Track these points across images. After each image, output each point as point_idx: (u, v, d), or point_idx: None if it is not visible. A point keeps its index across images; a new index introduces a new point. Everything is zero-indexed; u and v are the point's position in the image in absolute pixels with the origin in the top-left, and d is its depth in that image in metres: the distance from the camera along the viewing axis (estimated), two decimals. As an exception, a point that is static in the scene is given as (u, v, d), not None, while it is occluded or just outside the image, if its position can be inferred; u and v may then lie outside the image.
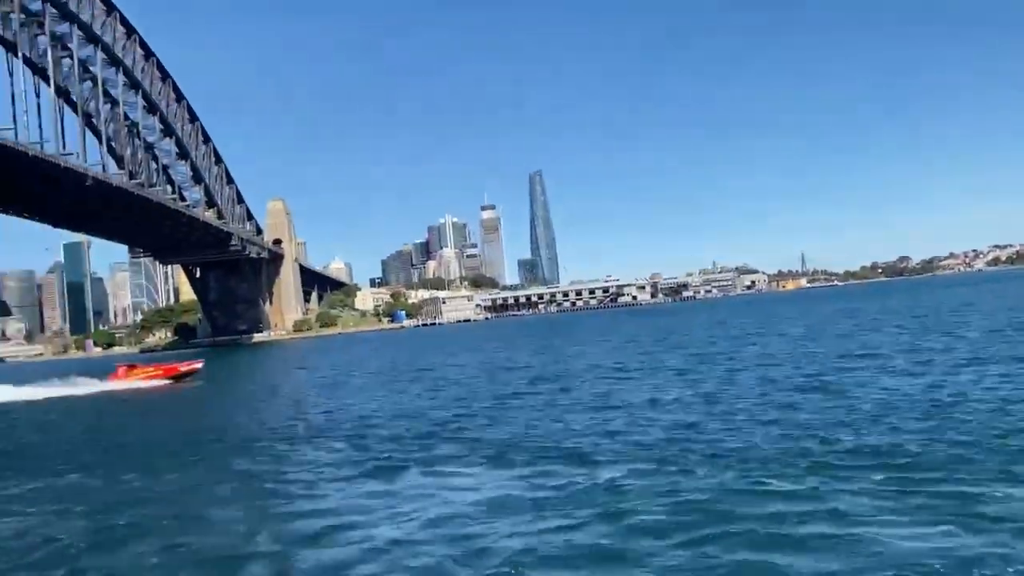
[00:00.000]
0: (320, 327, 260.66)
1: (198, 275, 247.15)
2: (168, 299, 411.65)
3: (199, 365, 57.10)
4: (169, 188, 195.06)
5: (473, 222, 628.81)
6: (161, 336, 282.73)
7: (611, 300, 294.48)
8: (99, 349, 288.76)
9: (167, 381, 52.93)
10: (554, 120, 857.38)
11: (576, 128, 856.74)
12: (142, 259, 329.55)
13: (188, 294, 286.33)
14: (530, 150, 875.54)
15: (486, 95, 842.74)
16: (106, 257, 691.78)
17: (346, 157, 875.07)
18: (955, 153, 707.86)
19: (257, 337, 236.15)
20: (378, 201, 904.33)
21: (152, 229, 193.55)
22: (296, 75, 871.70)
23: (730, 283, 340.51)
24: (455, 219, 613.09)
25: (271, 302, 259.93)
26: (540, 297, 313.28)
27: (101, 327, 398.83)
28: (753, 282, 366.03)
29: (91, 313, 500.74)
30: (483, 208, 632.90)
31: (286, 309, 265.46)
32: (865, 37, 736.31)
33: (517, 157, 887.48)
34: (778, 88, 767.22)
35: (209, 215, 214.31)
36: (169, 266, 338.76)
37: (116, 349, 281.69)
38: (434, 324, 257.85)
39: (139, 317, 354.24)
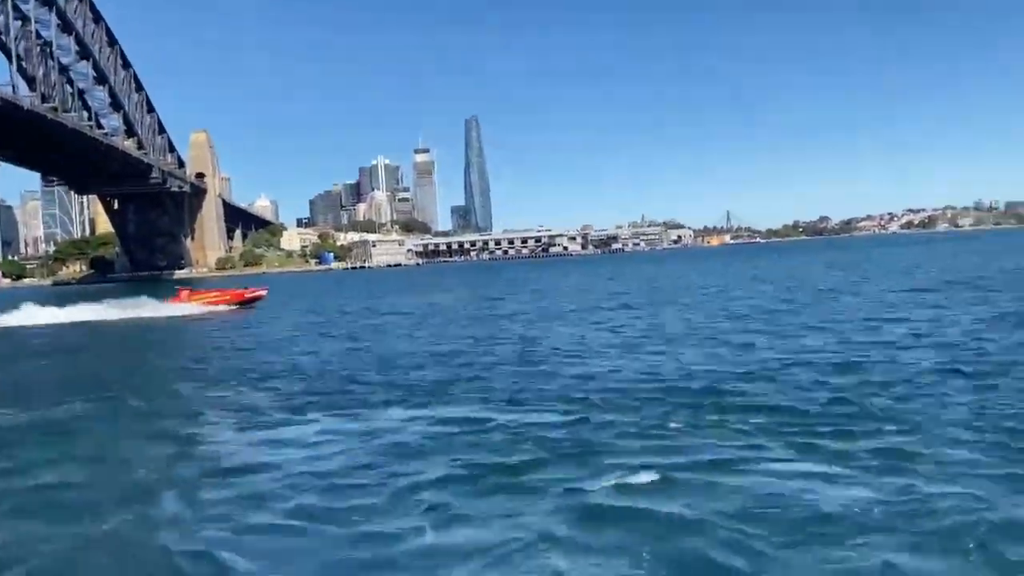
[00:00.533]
0: (244, 266, 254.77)
1: (116, 207, 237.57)
2: (84, 231, 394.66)
3: (264, 293, 56.84)
4: (85, 114, 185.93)
5: (406, 165, 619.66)
6: (75, 269, 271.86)
7: (543, 250, 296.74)
8: (8, 280, 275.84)
9: (233, 306, 52.75)
10: (490, 65, 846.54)
11: (512, 74, 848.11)
12: (56, 188, 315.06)
13: (105, 226, 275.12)
14: (467, 93, 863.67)
15: (422, 40, 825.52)
16: (16, 184, 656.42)
17: (275, 90, 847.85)
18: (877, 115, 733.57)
19: (178, 274, 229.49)
20: (308, 138, 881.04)
21: (67, 157, 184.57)
22: (223, 4, 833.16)
23: (657, 237, 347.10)
24: (388, 161, 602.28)
25: (193, 238, 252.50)
26: (472, 244, 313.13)
27: (10, 258, 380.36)
28: (680, 236, 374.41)
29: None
30: (417, 151, 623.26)
31: (209, 246, 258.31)
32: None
33: (453, 102, 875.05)
34: (712, 41, 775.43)
35: (128, 144, 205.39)
36: (85, 196, 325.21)
37: (26, 281, 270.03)
38: (363, 268, 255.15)
39: (52, 248, 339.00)
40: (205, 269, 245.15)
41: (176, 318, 48.08)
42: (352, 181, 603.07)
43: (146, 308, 50.78)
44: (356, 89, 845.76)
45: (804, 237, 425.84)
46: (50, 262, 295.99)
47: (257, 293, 56.25)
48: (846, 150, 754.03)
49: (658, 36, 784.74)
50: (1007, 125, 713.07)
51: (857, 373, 17.12)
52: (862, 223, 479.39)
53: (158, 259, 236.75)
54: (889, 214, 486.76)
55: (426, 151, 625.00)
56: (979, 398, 13.97)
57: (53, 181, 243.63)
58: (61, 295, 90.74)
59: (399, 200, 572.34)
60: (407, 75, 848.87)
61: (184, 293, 53.89)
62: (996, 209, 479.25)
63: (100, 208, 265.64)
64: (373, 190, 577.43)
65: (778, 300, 39.66)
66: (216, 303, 52.88)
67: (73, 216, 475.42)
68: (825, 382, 16.32)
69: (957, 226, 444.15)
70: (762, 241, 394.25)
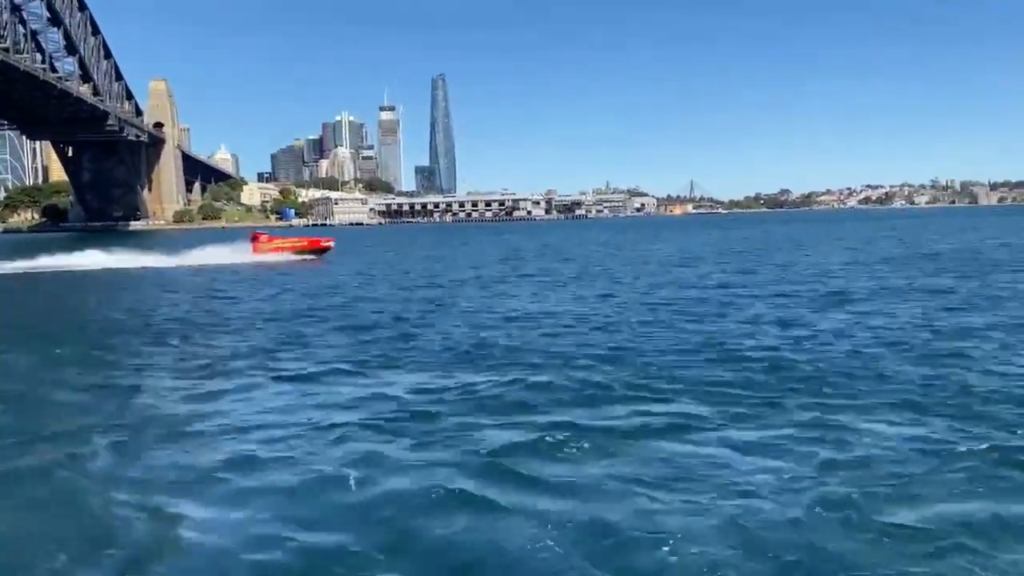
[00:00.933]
0: (202, 219, 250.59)
1: (70, 154, 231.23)
2: (36, 178, 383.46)
3: (332, 243, 57.22)
4: (39, 57, 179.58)
5: (371, 122, 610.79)
6: (27, 217, 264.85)
7: (506, 214, 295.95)
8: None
9: (311, 255, 53.24)
10: (458, 24, 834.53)
11: (481, 35, 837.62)
12: (7, 132, 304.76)
13: (59, 174, 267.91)
14: (434, 52, 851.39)
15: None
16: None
17: (237, 40, 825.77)
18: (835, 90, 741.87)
19: (134, 225, 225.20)
20: (271, 90, 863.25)
21: (18, 100, 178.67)
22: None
23: (621, 205, 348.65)
24: (352, 117, 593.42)
25: (150, 189, 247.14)
26: (436, 206, 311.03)
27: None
28: (643, 204, 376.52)
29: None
30: (382, 109, 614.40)
31: (166, 198, 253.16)
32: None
33: (420, 58, 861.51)
34: (682, 15, 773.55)
35: (84, 90, 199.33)
36: (38, 142, 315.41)
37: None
38: (325, 225, 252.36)
39: (2, 195, 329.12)
40: (162, 221, 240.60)
41: (259, 265, 47.71)
42: (315, 136, 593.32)
43: (223, 255, 50.54)
44: (322, 41, 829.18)
45: (765, 209, 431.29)
46: (0, 209, 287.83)
47: (329, 242, 56.81)
48: (809, 125, 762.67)
49: (628, 5, 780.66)
50: (965, 106, 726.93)
51: (798, 344, 17.66)
52: (822, 197, 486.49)
53: (114, 209, 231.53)
54: (848, 189, 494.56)
55: (392, 109, 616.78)
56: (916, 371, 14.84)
57: (3, 125, 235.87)
58: (19, 244, 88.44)
59: (363, 158, 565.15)
60: (374, 29, 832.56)
61: (263, 238, 53.76)
62: (951, 188, 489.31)
63: (54, 155, 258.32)
64: (337, 147, 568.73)
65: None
66: (296, 250, 53.38)
67: (25, 162, 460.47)
68: (768, 351, 16.82)
69: (913, 203, 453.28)
70: (724, 212, 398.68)
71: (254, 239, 53.13)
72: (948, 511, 7.82)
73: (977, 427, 10.43)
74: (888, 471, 8.97)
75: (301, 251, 53.46)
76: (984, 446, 9.59)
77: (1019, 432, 10.16)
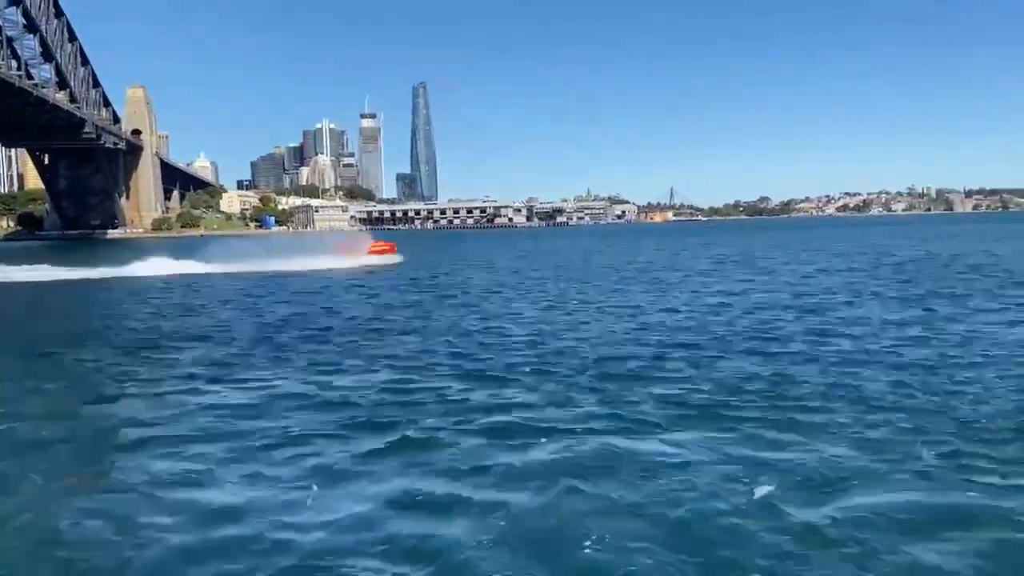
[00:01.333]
0: (181, 227, 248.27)
1: (47, 162, 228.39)
2: (12, 186, 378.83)
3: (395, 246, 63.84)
4: (14, 63, 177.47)
5: (352, 130, 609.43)
6: (1, 225, 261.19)
7: (488, 221, 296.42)
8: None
9: (395, 255, 59.36)
10: (439, 32, 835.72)
11: (461, 43, 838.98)
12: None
13: (35, 181, 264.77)
14: (415, 60, 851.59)
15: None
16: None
17: (216, 46, 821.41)
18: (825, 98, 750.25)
19: (112, 233, 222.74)
20: (251, 97, 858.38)
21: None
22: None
23: (602, 212, 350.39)
24: (333, 125, 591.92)
25: (128, 197, 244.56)
26: (417, 213, 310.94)
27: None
28: (624, 211, 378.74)
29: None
30: (363, 116, 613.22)
31: (144, 206, 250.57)
32: None
33: (401, 66, 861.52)
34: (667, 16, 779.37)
35: (60, 97, 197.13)
36: (13, 150, 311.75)
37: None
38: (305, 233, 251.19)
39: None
40: (140, 229, 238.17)
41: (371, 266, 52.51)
42: (296, 144, 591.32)
43: (330, 259, 53.26)
44: (302, 49, 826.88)
45: (744, 216, 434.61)
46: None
47: (394, 245, 63.29)
48: (789, 133, 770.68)
49: (614, 10, 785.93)
50: (943, 113, 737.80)
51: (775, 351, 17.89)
52: (800, 204, 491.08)
53: (91, 217, 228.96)
54: (826, 196, 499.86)
55: (373, 116, 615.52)
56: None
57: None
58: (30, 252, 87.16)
59: (344, 166, 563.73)
60: (354, 37, 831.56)
61: (371, 243, 61.52)
62: (927, 195, 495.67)
63: (29, 162, 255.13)
64: (317, 154, 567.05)
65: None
66: (385, 252, 59.68)
67: (0, 170, 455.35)
68: (741, 356, 17.11)
69: (890, 210, 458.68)
70: (704, 219, 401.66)
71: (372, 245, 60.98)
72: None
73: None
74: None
75: (386, 253, 60.13)
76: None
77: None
